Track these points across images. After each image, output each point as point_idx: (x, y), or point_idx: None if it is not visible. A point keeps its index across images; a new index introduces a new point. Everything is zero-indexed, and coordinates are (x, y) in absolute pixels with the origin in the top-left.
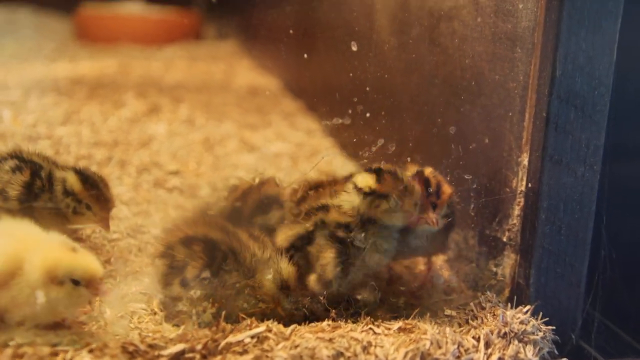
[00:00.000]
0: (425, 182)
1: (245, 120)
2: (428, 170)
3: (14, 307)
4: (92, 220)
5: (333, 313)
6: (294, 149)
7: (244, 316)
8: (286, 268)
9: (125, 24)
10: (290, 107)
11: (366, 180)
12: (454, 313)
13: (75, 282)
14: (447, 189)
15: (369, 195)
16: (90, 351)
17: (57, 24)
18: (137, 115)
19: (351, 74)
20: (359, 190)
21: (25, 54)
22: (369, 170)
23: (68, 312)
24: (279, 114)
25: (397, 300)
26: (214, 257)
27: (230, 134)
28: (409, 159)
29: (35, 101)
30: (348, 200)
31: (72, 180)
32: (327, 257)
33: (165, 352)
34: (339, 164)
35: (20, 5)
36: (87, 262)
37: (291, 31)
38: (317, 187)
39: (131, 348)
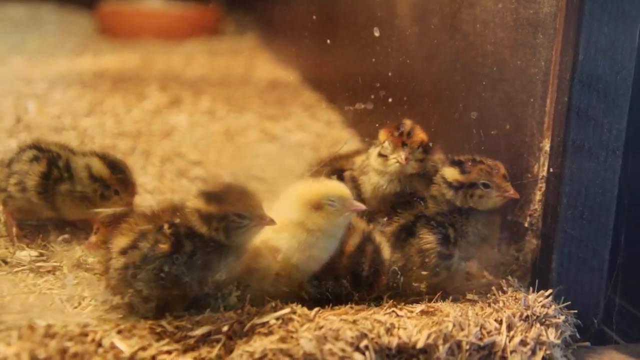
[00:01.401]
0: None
1: (266, 111)
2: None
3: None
4: (118, 204)
5: (356, 296)
6: (314, 139)
7: (268, 298)
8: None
9: (146, 19)
10: (310, 99)
11: (452, 175)
12: (475, 297)
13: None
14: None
15: (459, 188)
16: (119, 332)
17: (79, 19)
18: (159, 107)
19: (373, 60)
20: (449, 184)
21: (49, 49)
22: (451, 163)
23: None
24: (299, 106)
25: (419, 284)
26: None
27: (251, 124)
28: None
29: (60, 94)
30: (440, 193)
31: (98, 166)
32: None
33: (192, 334)
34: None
35: (44, 1)
36: (336, 185)
37: (310, 23)
38: None
39: (159, 329)
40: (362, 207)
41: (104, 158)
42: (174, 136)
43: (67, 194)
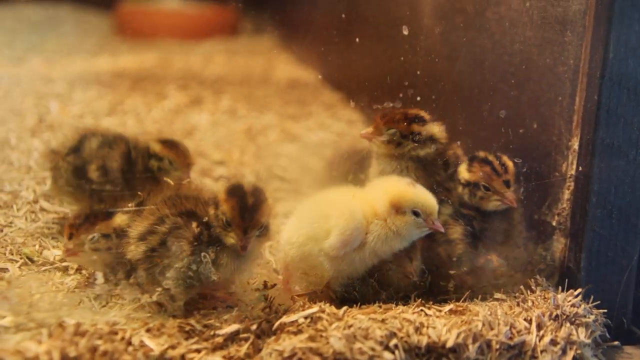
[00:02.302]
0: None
1: (286, 111)
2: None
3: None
4: (174, 174)
5: (384, 295)
6: (335, 138)
7: (296, 297)
8: None
9: (164, 19)
10: (331, 99)
11: (462, 170)
12: (504, 296)
13: (416, 214)
14: (509, 162)
15: (466, 186)
16: (148, 330)
17: (96, 19)
18: (180, 106)
19: (402, 58)
20: (458, 179)
21: (67, 49)
22: (469, 158)
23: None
24: (319, 105)
25: (446, 284)
26: None
27: (272, 124)
28: (458, 142)
29: (80, 93)
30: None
31: (153, 144)
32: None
33: (220, 332)
34: None
35: (60, 2)
36: (426, 197)
37: (330, 23)
38: None
39: (187, 327)
40: (441, 229)
41: (160, 140)
42: (196, 135)
43: (138, 173)
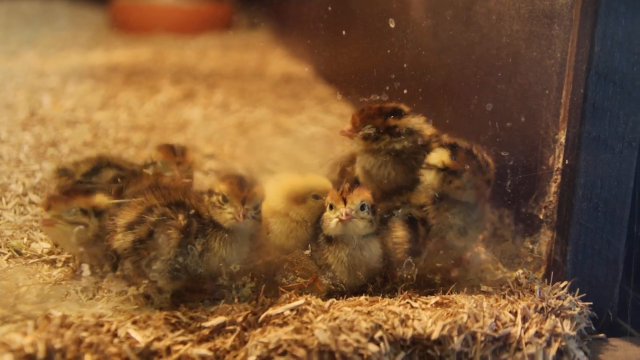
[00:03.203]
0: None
1: (279, 105)
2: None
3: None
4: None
5: (370, 288)
6: (327, 132)
7: (283, 290)
8: None
9: (158, 14)
10: (323, 93)
11: (440, 156)
12: (490, 289)
13: (316, 197)
14: (490, 159)
15: (442, 171)
16: (134, 322)
17: (90, 14)
18: (173, 100)
19: (388, 51)
20: (431, 167)
21: (61, 43)
22: (444, 145)
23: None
24: (312, 100)
25: (433, 276)
26: None
27: (265, 118)
28: (445, 135)
29: (73, 87)
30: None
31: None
32: (400, 236)
33: (207, 324)
34: None
35: None
36: (318, 179)
37: (323, 17)
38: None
39: (174, 320)
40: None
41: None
42: (188, 129)
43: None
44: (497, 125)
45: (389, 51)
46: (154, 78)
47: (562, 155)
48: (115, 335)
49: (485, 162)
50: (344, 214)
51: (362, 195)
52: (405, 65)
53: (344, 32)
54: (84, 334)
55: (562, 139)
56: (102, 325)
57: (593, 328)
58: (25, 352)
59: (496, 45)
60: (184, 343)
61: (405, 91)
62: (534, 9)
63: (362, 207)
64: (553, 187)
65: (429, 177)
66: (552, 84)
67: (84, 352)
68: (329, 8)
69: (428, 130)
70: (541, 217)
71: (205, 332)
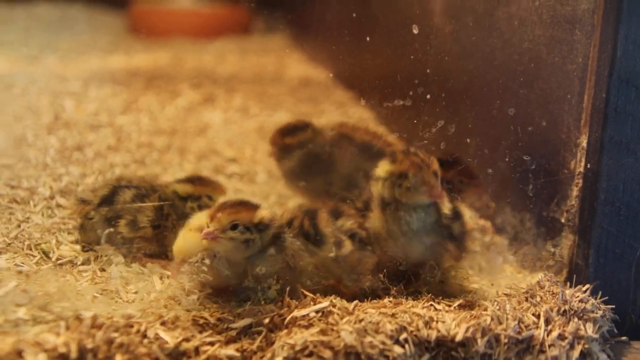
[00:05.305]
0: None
1: (299, 109)
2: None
3: None
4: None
5: (394, 290)
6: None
7: (306, 293)
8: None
9: (177, 18)
10: (342, 97)
11: (383, 167)
12: (512, 292)
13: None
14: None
15: (388, 178)
16: (163, 323)
17: (108, 18)
18: (193, 104)
19: (412, 57)
20: (377, 179)
21: (81, 48)
22: (385, 156)
23: None
24: (331, 104)
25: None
26: None
27: (284, 122)
28: (468, 140)
29: (94, 92)
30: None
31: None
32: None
33: (234, 325)
34: None
35: (74, 1)
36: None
37: (345, 23)
38: None
39: (201, 321)
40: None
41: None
42: (209, 133)
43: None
44: (519, 130)
45: (412, 57)
46: (173, 82)
47: (583, 159)
48: (144, 335)
49: (426, 156)
50: (203, 232)
51: (235, 215)
52: (428, 71)
53: (367, 38)
54: (115, 334)
55: (584, 143)
56: (131, 326)
57: (615, 331)
58: (58, 351)
59: (518, 51)
60: (212, 344)
61: (428, 96)
62: (556, 14)
63: (234, 227)
64: (575, 191)
65: (377, 188)
66: (574, 89)
67: (115, 352)
68: (354, 15)
69: None
70: (563, 220)
71: (233, 333)
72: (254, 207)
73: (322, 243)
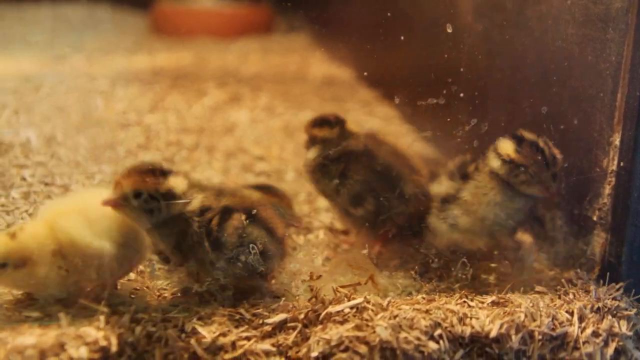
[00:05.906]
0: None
1: (323, 108)
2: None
3: None
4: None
5: (426, 287)
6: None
7: (339, 290)
8: None
9: (199, 18)
10: (367, 96)
11: (506, 147)
12: (545, 289)
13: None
14: (557, 151)
15: (508, 163)
16: (200, 318)
17: (132, 18)
18: (219, 103)
19: (446, 55)
20: (498, 155)
21: (106, 48)
22: (511, 136)
23: None
24: (356, 103)
25: (488, 276)
26: None
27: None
28: (500, 138)
29: (121, 91)
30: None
31: None
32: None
33: (269, 321)
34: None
35: (99, 1)
36: None
37: (370, 21)
38: None
39: (237, 316)
40: None
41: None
42: (236, 132)
43: None
44: (552, 128)
45: (445, 55)
46: (198, 81)
47: (616, 158)
48: (182, 330)
49: (551, 156)
50: (104, 200)
51: (140, 184)
52: (461, 69)
53: (401, 37)
54: (153, 329)
55: (617, 142)
56: (169, 321)
57: None
58: (99, 344)
59: (551, 49)
60: (248, 339)
61: (461, 95)
62: (589, 13)
63: (137, 195)
64: (607, 189)
65: (495, 164)
66: (607, 87)
67: (154, 347)
68: (388, 14)
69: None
70: (595, 218)
71: (268, 328)
72: (164, 174)
73: (217, 249)
